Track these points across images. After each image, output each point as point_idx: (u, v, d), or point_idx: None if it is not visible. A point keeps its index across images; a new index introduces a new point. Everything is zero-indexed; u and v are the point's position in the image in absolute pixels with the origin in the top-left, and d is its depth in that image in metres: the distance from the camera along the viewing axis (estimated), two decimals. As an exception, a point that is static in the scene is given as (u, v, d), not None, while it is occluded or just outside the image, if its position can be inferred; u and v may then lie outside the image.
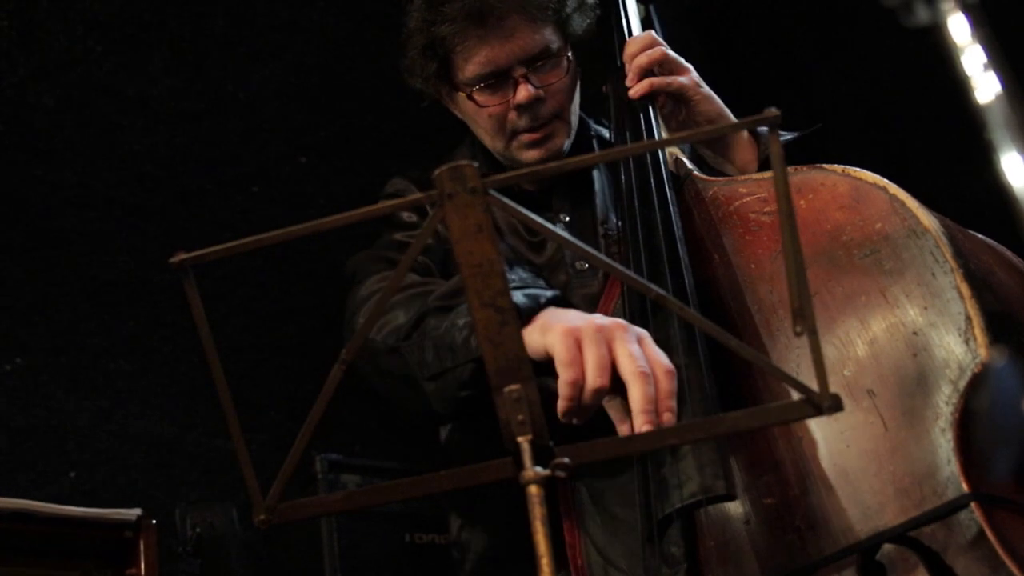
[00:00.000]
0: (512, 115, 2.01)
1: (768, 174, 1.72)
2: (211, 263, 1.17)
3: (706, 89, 1.99)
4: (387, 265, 2.02)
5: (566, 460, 1.10)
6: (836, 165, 1.65)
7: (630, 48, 2.00)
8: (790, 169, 1.67)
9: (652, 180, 1.80)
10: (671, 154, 1.91)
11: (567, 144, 2.07)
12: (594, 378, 1.49)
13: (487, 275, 1.08)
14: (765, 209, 1.69)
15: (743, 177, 1.79)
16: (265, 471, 1.19)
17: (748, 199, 1.71)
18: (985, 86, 0.71)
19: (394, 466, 2.93)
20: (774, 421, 1.26)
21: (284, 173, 3.37)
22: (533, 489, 1.07)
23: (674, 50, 2.01)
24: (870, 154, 1.68)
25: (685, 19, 2.03)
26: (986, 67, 0.71)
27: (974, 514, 1.32)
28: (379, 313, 1.20)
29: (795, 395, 1.10)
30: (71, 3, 3.09)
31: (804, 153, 2.02)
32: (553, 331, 1.55)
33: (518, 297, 1.61)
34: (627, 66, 1.99)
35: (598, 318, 1.56)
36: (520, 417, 1.11)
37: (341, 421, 3.06)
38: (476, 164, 1.08)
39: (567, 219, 2.09)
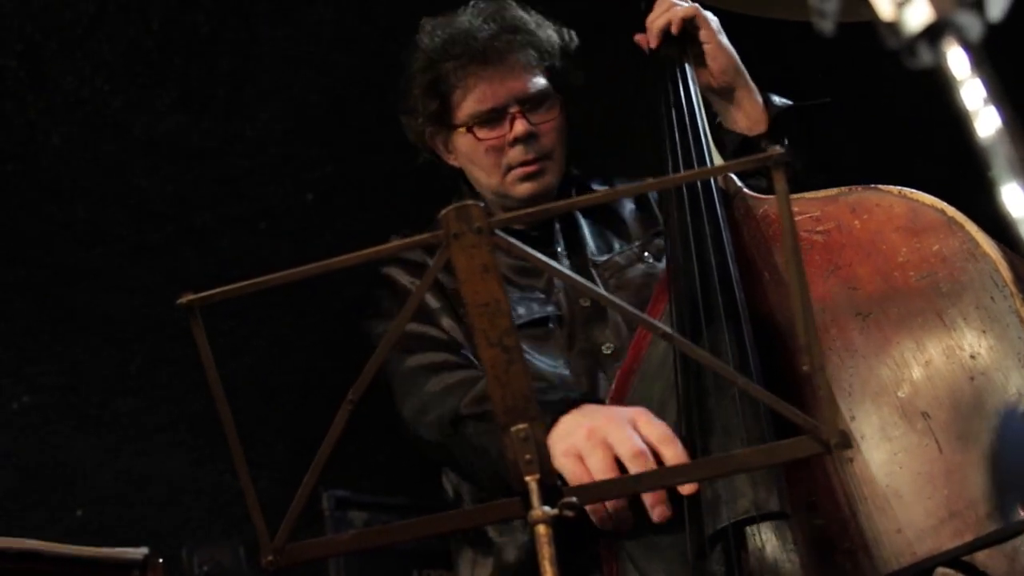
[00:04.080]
0: (508, 149, 2.09)
1: (821, 193, 1.71)
2: (217, 301, 1.17)
3: (723, 39, 2.05)
4: (418, 342, 2.00)
5: (574, 499, 1.10)
6: (892, 186, 1.64)
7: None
8: (844, 188, 1.68)
9: (701, 195, 1.80)
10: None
11: (555, 184, 2.15)
12: None
13: (494, 315, 1.08)
14: (817, 228, 1.67)
15: (795, 196, 1.77)
16: (272, 508, 1.19)
17: (800, 218, 1.68)
18: (985, 120, 0.71)
19: (402, 502, 2.92)
20: (784, 458, 1.26)
21: (291, 210, 3.38)
22: (541, 529, 1.07)
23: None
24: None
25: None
26: (986, 101, 0.72)
27: None
28: (384, 354, 1.20)
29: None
30: (78, 43, 3.10)
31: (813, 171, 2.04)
32: (554, 456, 1.53)
33: None
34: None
35: (588, 422, 1.58)
36: (528, 456, 1.11)
37: (348, 456, 3.03)
38: (482, 204, 1.09)
39: (567, 254, 2.15)
